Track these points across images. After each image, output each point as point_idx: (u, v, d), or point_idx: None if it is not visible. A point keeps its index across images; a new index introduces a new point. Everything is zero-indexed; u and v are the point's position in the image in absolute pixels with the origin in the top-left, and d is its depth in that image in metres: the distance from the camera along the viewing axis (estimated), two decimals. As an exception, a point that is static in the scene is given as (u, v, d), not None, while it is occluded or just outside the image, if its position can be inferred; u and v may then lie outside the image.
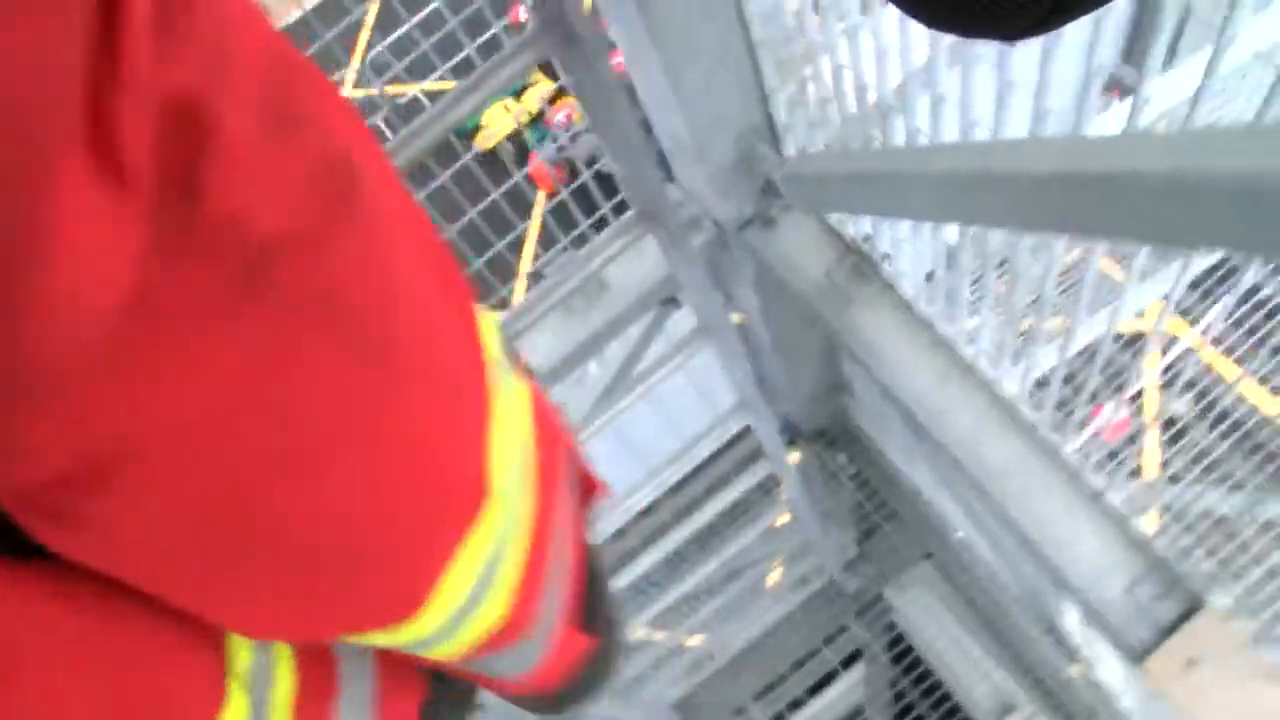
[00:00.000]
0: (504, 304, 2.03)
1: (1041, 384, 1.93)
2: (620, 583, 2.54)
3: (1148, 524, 1.47)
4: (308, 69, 0.40)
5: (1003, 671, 3.42)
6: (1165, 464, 3.61)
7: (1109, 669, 1.77)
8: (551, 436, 0.57)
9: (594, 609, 0.63)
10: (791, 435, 2.89)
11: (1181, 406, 4.16)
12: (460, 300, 0.48)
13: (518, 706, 0.68)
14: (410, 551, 0.44)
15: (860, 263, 1.61)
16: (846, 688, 4.37)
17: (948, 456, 1.54)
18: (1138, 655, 1.37)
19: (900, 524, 2.93)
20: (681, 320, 2.07)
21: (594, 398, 2.00)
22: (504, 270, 1.88)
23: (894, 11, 1.11)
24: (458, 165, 1.66)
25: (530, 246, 6.68)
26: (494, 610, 0.49)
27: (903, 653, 4.27)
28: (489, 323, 0.53)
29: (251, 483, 0.36)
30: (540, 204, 6.66)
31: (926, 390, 1.53)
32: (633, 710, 2.81)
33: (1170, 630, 1.36)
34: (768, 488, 2.87)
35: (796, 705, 4.69)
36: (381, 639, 0.47)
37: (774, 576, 3.22)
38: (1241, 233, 0.62)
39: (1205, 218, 0.63)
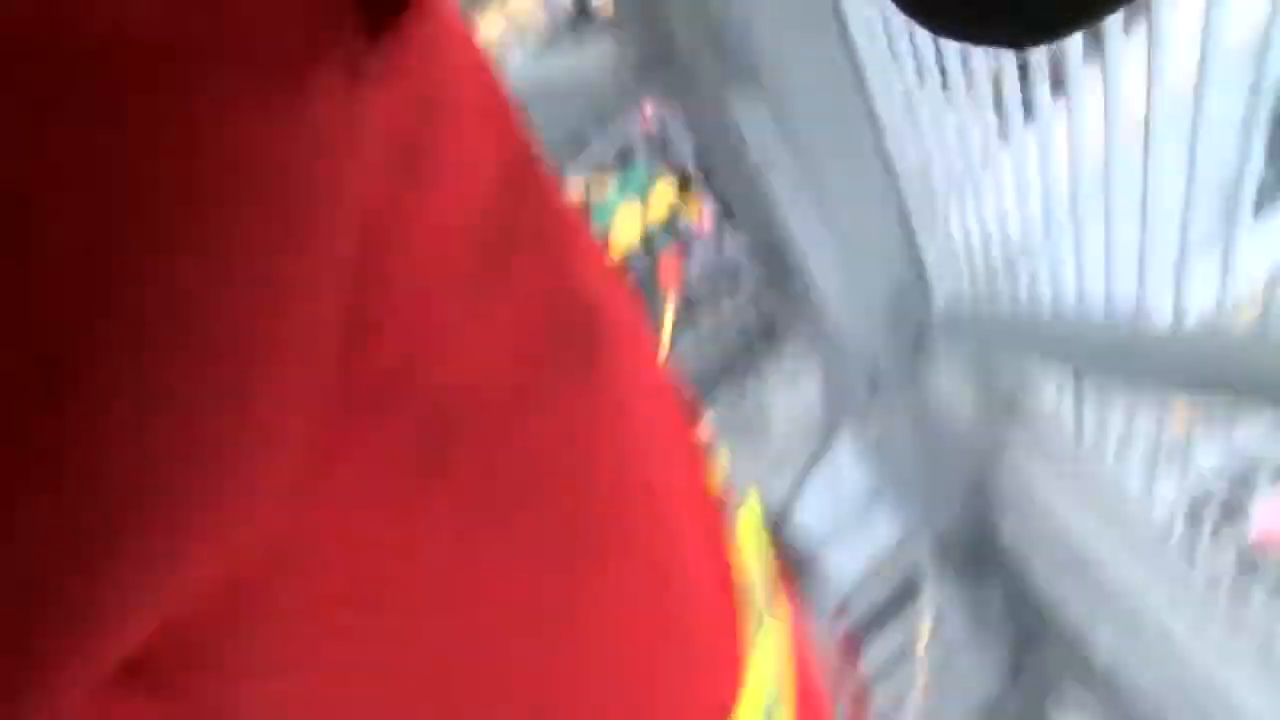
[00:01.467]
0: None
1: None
2: None
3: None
4: (549, 184, 0.33)
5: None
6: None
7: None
8: (813, 693, 0.50)
9: None
10: (943, 560, 2.90)
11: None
12: (709, 511, 0.41)
13: None
14: None
15: (1010, 399, 1.66)
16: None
17: (1104, 596, 1.56)
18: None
19: (1053, 650, 2.90)
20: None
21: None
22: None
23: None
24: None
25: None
26: None
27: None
28: (750, 528, 0.46)
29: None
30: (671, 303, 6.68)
31: (1086, 528, 1.57)
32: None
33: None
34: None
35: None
36: None
37: (919, 703, 3.19)
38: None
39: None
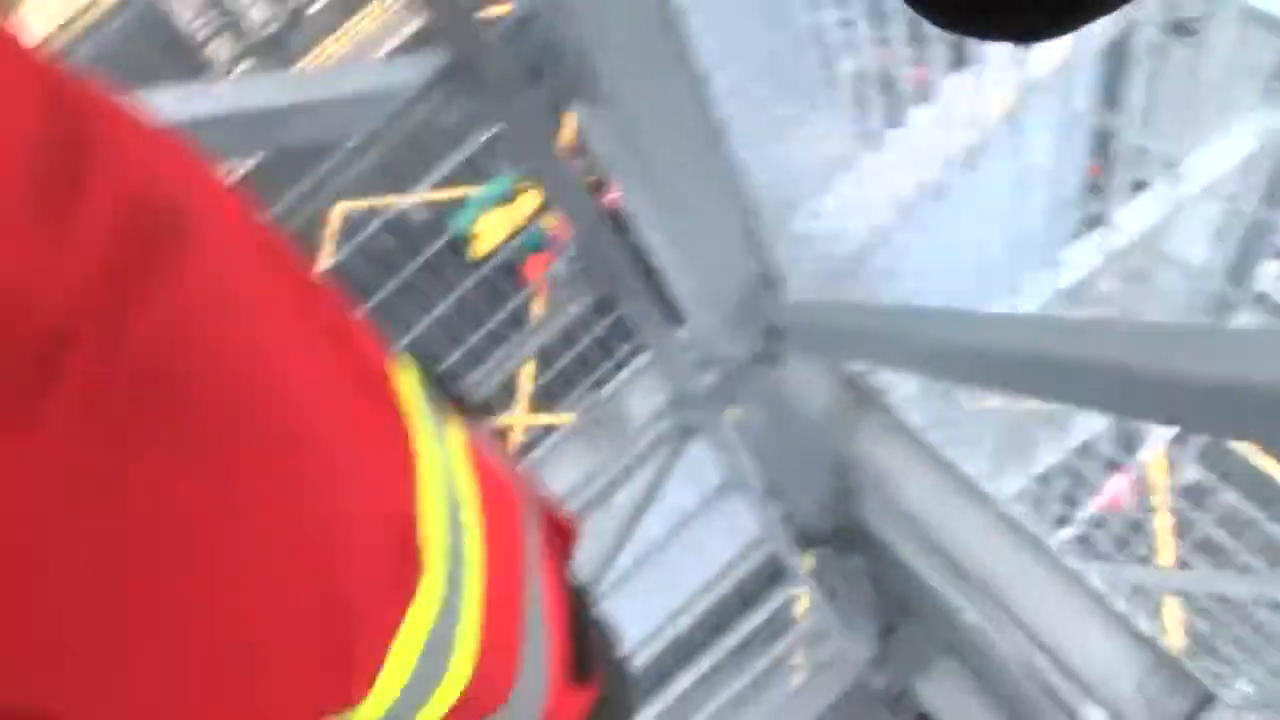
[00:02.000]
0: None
1: (1043, 479, 2.04)
2: (656, 708, 2.60)
3: (1167, 613, 1.57)
4: (100, 100, 0.33)
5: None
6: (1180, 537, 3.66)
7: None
8: (497, 488, 0.53)
9: (591, 657, 0.59)
10: (805, 543, 2.98)
11: (1194, 473, 4.23)
12: (358, 357, 0.42)
13: None
14: (332, 644, 0.39)
15: (862, 394, 1.73)
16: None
17: (962, 571, 1.64)
18: (1155, 749, 1.46)
19: (919, 620, 3.01)
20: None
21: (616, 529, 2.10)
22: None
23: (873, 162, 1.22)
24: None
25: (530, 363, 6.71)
26: (456, 680, 0.46)
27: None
28: (406, 375, 0.48)
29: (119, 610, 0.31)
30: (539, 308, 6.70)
31: (934, 511, 1.64)
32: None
33: (1183, 725, 1.45)
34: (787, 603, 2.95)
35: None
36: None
37: (798, 679, 3.27)
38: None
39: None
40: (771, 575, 3.02)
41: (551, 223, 6.88)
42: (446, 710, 0.46)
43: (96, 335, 0.28)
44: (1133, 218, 1.51)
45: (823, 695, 3.15)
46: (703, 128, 1.36)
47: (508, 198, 8.22)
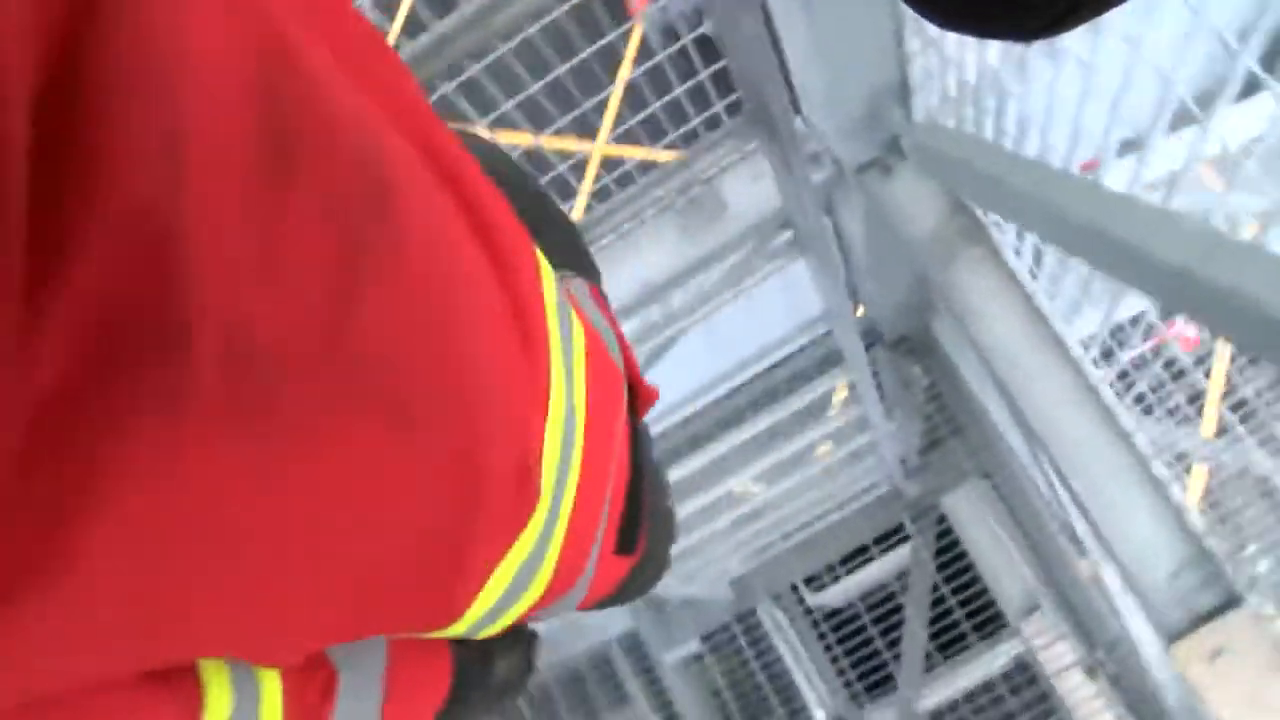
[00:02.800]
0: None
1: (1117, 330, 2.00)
2: (697, 462, 2.66)
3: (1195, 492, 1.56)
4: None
5: (1035, 579, 3.56)
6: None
7: (1140, 631, 1.89)
8: (609, 379, 0.54)
9: (637, 529, 0.60)
10: (873, 340, 2.98)
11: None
12: (518, 293, 0.42)
13: None
14: (451, 561, 0.40)
15: (969, 224, 1.67)
16: (881, 570, 4.60)
17: (1026, 421, 1.63)
18: (1171, 637, 1.49)
19: (965, 440, 3.04)
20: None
21: (693, 299, 2.09)
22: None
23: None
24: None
25: (615, 103, 6.33)
26: (538, 587, 0.47)
27: (947, 551, 4.47)
28: (546, 275, 0.47)
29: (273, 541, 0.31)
30: (632, 46, 6.30)
31: (1016, 357, 1.62)
32: (697, 585, 3.02)
33: (1204, 620, 1.47)
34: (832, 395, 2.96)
35: (835, 578, 4.97)
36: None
37: (835, 472, 3.34)
38: None
39: None
40: (828, 359, 3.04)
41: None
42: (520, 616, 0.49)
43: (315, 353, 0.28)
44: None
45: (854, 496, 3.22)
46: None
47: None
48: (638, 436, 0.61)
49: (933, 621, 5.11)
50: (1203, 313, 0.90)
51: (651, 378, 2.19)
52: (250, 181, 0.25)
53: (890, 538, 4.91)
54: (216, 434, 0.26)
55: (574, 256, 0.69)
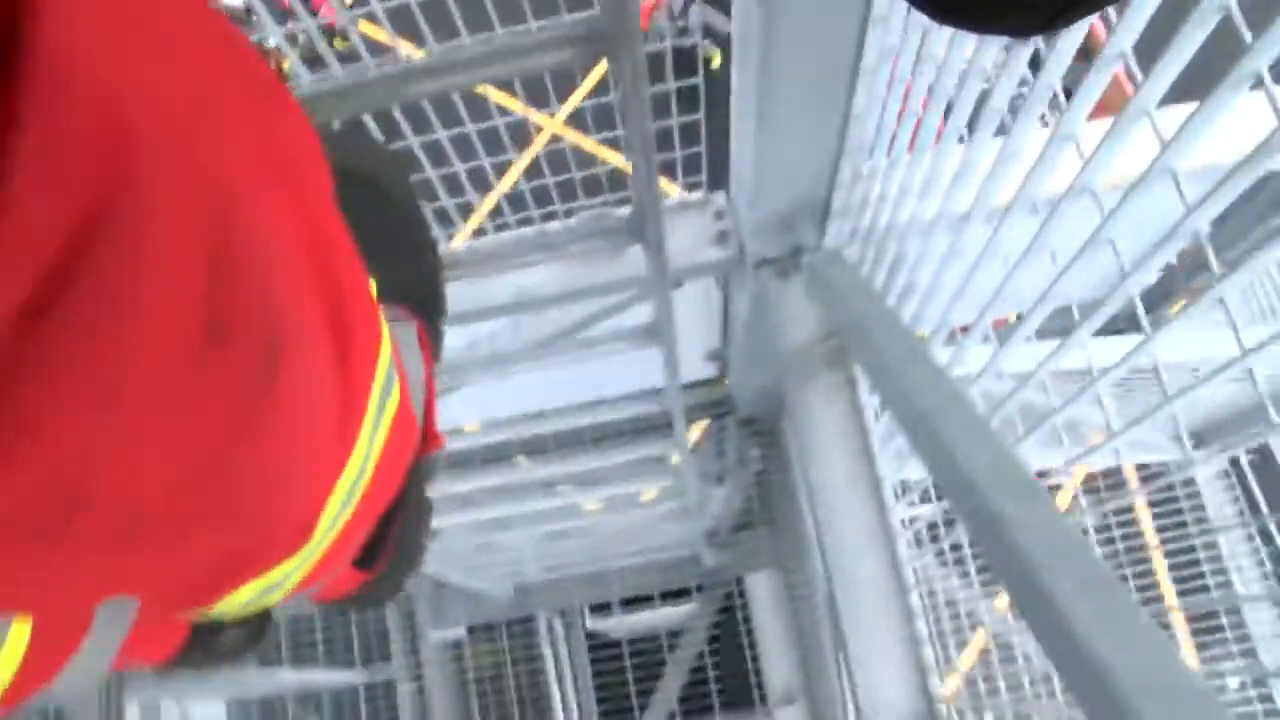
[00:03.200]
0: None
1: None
2: (516, 473, 2.69)
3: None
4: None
5: (800, 676, 3.69)
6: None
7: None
8: (405, 428, 0.61)
9: (381, 550, 0.68)
10: (727, 411, 3.06)
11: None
12: (352, 380, 0.50)
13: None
14: (300, 517, 0.50)
15: (837, 351, 1.76)
16: (662, 618, 4.72)
17: (822, 544, 1.72)
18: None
19: (774, 530, 3.15)
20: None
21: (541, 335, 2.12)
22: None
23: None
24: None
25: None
26: (278, 596, 0.56)
27: (722, 628, 4.60)
28: (383, 356, 0.55)
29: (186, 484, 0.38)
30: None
31: (834, 486, 1.70)
32: (481, 579, 3.06)
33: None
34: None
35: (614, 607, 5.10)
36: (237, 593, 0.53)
37: (651, 521, 3.41)
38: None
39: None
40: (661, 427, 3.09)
41: None
42: (269, 604, 0.58)
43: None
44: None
45: (661, 548, 3.30)
46: (848, 60, 1.34)
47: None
48: (414, 473, 0.67)
49: (692, 683, 5.22)
50: (947, 495, 0.99)
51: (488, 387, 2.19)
52: (190, 342, 0.33)
53: (679, 594, 5.03)
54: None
55: (423, 289, 0.75)
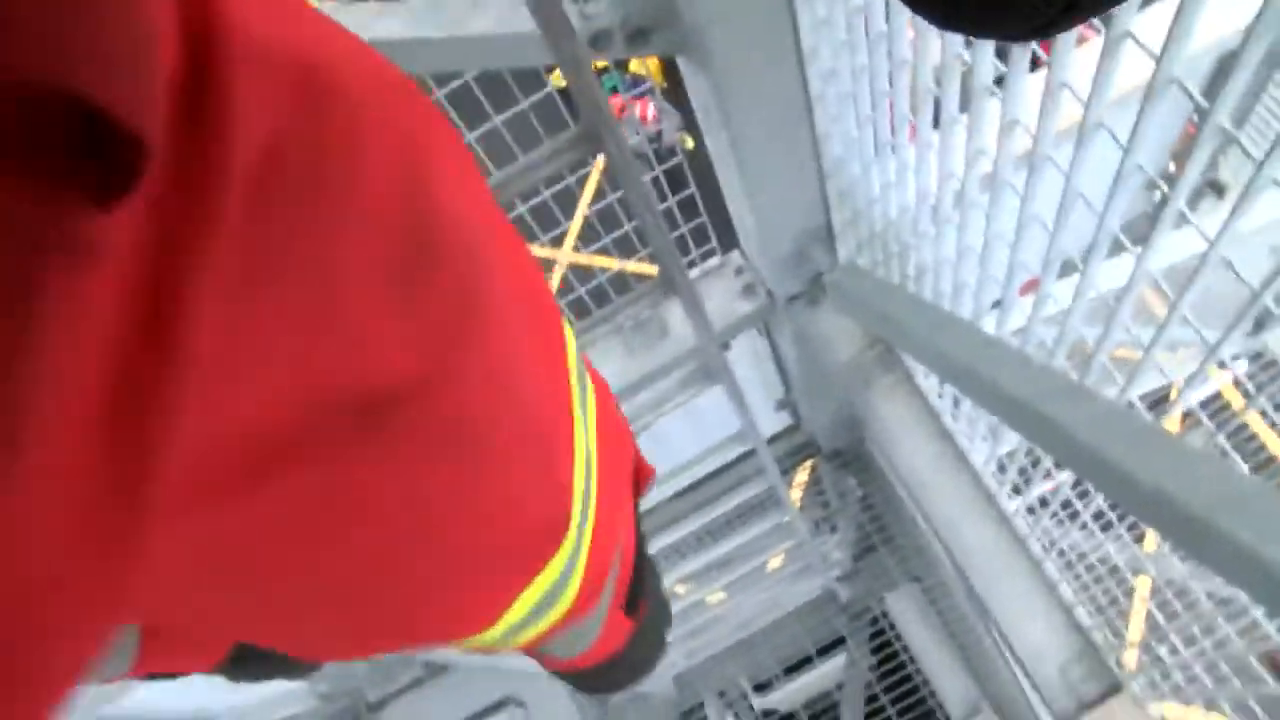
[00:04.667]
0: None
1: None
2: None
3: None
4: (442, 153, 0.38)
5: (971, 682, 3.72)
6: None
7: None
8: (616, 436, 0.59)
9: (641, 592, 0.64)
10: (812, 451, 3.17)
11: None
12: (551, 331, 0.48)
13: (571, 685, 0.70)
14: (491, 588, 0.46)
15: (883, 354, 1.89)
16: (824, 676, 4.74)
17: (935, 529, 1.82)
18: (1062, 721, 1.66)
19: (894, 548, 3.23)
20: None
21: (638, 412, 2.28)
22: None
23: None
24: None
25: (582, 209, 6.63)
26: (557, 615, 0.52)
27: (883, 659, 4.63)
28: (569, 335, 0.53)
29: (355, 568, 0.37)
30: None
31: (924, 473, 1.81)
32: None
33: (1090, 706, 1.65)
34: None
35: (777, 678, 5.14)
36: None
37: (774, 568, 3.50)
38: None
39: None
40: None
41: (643, 72, 6.65)
42: (541, 635, 0.54)
43: (424, 394, 0.35)
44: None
45: (790, 598, 3.39)
46: (798, 98, 1.49)
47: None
48: (638, 513, 0.66)
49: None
50: (1042, 446, 1.10)
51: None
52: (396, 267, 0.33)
53: (831, 647, 5.08)
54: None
55: None
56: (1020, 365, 1.15)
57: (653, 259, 2.16)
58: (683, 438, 2.82)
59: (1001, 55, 1.11)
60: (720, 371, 1.81)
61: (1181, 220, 0.94)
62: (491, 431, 0.39)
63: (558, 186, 2.05)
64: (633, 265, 2.33)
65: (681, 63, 1.49)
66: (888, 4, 1.23)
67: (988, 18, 0.41)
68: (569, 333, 0.53)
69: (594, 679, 0.68)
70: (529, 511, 0.45)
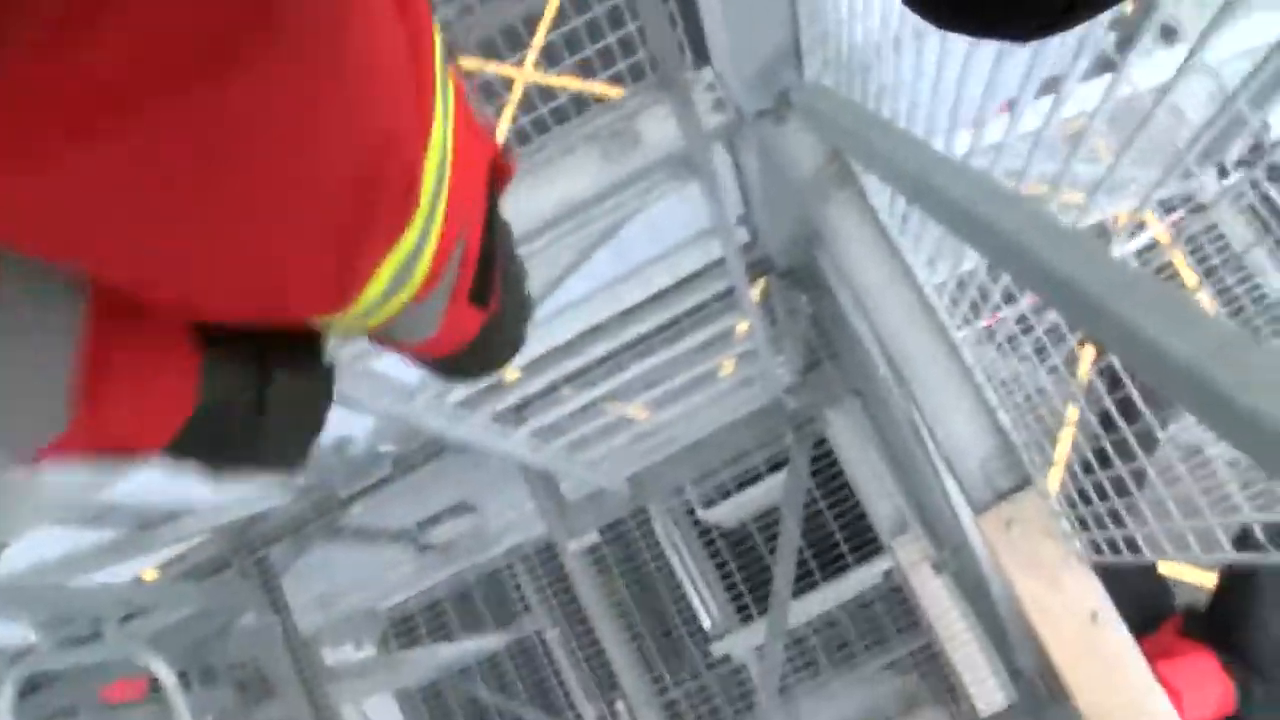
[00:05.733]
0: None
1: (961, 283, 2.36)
2: (587, 358, 2.98)
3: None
4: None
5: (902, 499, 3.97)
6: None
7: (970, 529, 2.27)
8: (474, 131, 0.59)
9: (488, 285, 0.65)
10: (765, 269, 3.32)
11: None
12: (421, 19, 0.47)
13: (425, 369, 0.72)
14: (347, 251, 0.46)
15: (842, 170, 2.01)
16: (768, 492, 5.02)
17: (878, 336, 1.98)
18: (977, 511, 1.86)
19: (839, 362, 3.42)
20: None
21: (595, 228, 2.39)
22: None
23: None
24: None
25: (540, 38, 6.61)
26: (407, 294, 0.53)
27: (823, 470, 4.91)
28: (435, 27, 0.51)
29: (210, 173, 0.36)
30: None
31: (872, 283, 1.96)
32: (597, 475, 3.37)
33: (1002, 497, 1.84)
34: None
35: (725, 495, 5.41)
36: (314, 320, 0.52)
37: (724, 386, 3.68)
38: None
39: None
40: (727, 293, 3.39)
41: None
42: (379, 323, 0.56)
43: None
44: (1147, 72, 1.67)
45: (741, 405, 3.58)
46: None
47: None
48: (495, 209, 0.65)
49: (812, 543, 5.54)
50: (977, 246, 1.24)
51: (567, 287, 2.50)
52: None
53: (778, 465, 5.33)
54: None
55: None
56: (962, 174, 1.28)
57: (614, 81, 2.26)
58: (645, 247, 2.95)
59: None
60: (704, 168, 1.93)
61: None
62: (333, 35, 0.37)
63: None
64: (598, 86, 2.42)
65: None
66: None
67: (992, 18, 0.42)
68: (435, 26, 0.51)
69: (446, 367, 0.71)
70: (385, 173, 0.45)
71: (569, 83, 2.58)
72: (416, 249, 0.51)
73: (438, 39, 0.50)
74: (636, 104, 2.19)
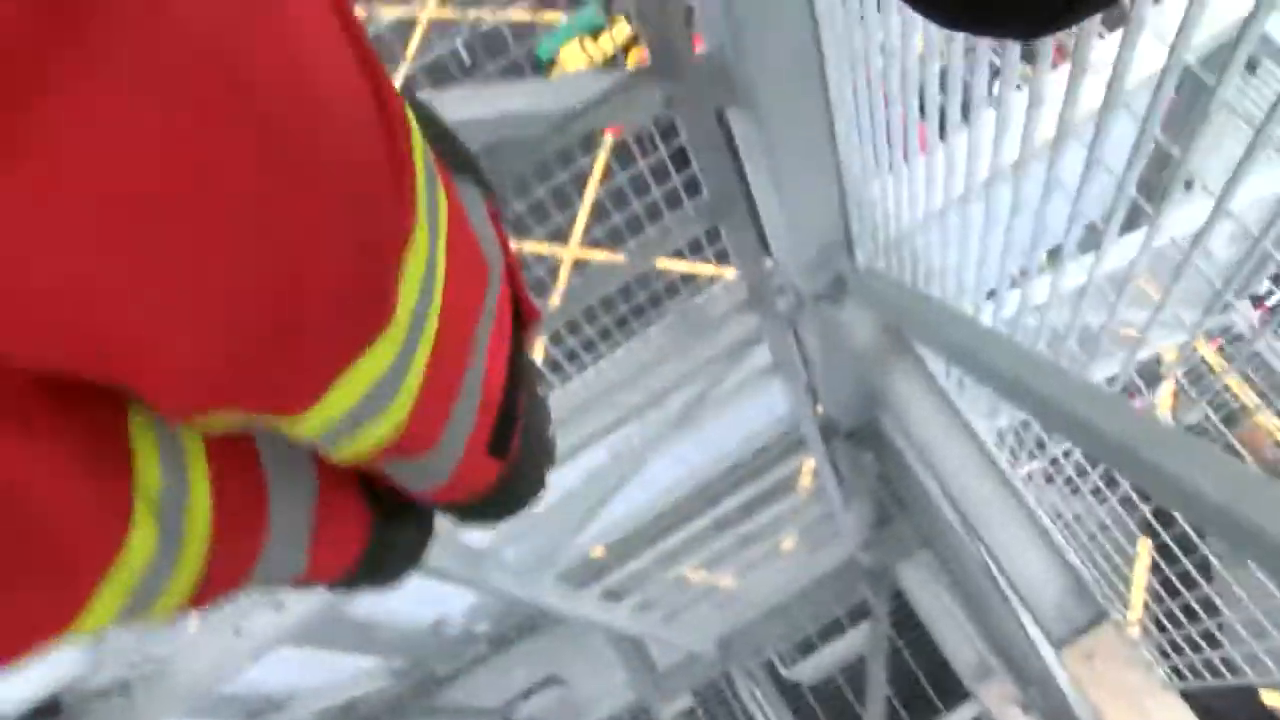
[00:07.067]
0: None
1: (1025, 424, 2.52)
2: (676, 540, 3.16)
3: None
4: None
5: (983, 643, 4.04)
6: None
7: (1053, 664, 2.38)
8: (470, 261, 0.56)
9: (510, 434, 0.63)
10: (832, 433, 3.50)
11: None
12: (385, 100, 0.43)
13: (438, 510, 0.70)
14: (306, 350, 0.42)
15: (898, 342, 2.21)
16: (852, 641, 5.09)
17: (946, 490, 2.15)
18: (1058, 646, 1.99)
19: (909, 516, 3.56)
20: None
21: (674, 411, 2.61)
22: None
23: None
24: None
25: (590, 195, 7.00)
26: (388, 427, 0.49)
27: (903, 620, 4.98)
28: (417, 131, 0.49)
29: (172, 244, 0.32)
30: (605, 149, 7.07)
31: (935, 440, 2.14)
32: (685, 636, 3.50)
33: (1081, 631, 1.97)
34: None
35: (809, 650, 5.48)
36: (281, 427, 0.45)
37: (789, 544, 3.82)
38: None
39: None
40: (791, 448, 3.56)
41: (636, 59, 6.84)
42: (375, 445, 0.50)
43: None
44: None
45: (818, 565, 3.72)
46: (825, 135, 1.81)
47: (596, 28, 8.42)
48: (519, 352, 0.63)
49: (899, 691, 5.55)
50: (1026, 410, 1.43)
51: (645, 474, 2.69)
52: None
53: (859, 615, 5.41)
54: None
55: (471, 168, 0.66)
56: (1004, 346, 1.47)
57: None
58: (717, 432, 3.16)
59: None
60: (787, 360, 2.14)
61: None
62: (293, 118, 0.35)
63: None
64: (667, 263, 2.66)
65: (731, 112, 1.82)
66: (901, 75, 1.56)
67: (993, 16, 0.43)
68: (416, 135, 0.49)
69: (460, 513, 0.70)
70: (345, 268, 0.41)
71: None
72: (394, 370, 0.47)
73: (419, 144, 0.49)
74: (707, 296, 2.43)
